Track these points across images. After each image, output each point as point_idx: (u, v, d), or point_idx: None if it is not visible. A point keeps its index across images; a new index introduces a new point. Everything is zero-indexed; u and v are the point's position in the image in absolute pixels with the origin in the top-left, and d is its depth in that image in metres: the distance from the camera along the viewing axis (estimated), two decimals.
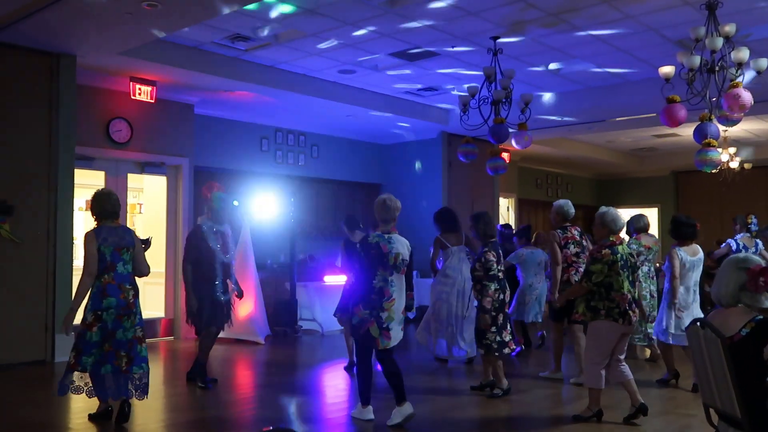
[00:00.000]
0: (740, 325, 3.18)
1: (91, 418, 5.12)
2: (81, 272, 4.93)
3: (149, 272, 5.26)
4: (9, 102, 7.42)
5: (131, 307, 4.97)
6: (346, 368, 7.35)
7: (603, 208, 5.38)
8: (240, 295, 6.71)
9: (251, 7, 6.92)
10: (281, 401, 6.07)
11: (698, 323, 3.31)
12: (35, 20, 6.69)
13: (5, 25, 6.86)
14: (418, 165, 13.06)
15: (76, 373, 4.95)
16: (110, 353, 4.88)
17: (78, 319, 5.02)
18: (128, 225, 9.79)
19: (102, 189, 5.25)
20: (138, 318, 5.03)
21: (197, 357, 6.53)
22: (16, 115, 7.46)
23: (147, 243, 5.30)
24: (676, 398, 6.08)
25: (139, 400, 5.07)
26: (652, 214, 17.35)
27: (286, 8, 7.11)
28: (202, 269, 6.32)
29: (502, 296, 6.08)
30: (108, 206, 5.02)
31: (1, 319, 7.25)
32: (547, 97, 10.80)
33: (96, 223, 5.05)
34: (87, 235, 4.98)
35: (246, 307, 9.27)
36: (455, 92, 10.47)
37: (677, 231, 6.44)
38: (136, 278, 5.16)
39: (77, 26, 6.92)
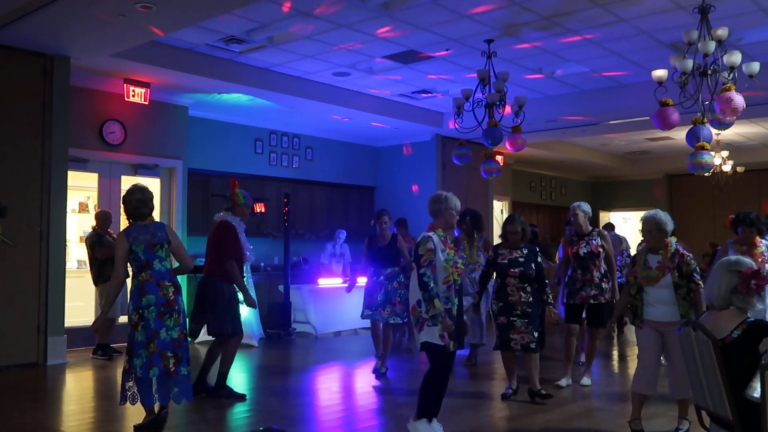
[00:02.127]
0: (732, 327, 3.20)
1: (138, 429, 4.83)
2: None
3: (194, 266, 5.10)
4: (2, 103, 7.39)
5: (172, 304, 4.77)
6: (376, 370, 7.19)
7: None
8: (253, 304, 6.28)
9: (245, 9, 6.93)
10: (275, 404, 6.06)
11: (690, 325, 3.33)
12: (29, 21, 6.67)
13: None
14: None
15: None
16: (155, 355, 4.70)
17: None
18: (120, 227, 9.75)
19: (132, 186, 5.00)
20: (183, 317, 4.86)
21: (221, 369, 6.09)
22: (9, 117, 7.43)
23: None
24: (669, 400, 6.09)
25: (178, 404, 4.93)
26: None
27: (282, 9, 7.11)
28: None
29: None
30: (137, 205, 4.83)
31: None
32: (541, 99, 10.83)
33: (128, 223, 4.91)
34: (118, 237, 4.88)
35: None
36: (449, 95, 10.49)
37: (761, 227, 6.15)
38: (183, 274, 5.02)
39: (71, 27, 6.90)
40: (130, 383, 4.76)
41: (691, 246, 7.61)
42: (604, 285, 6.55)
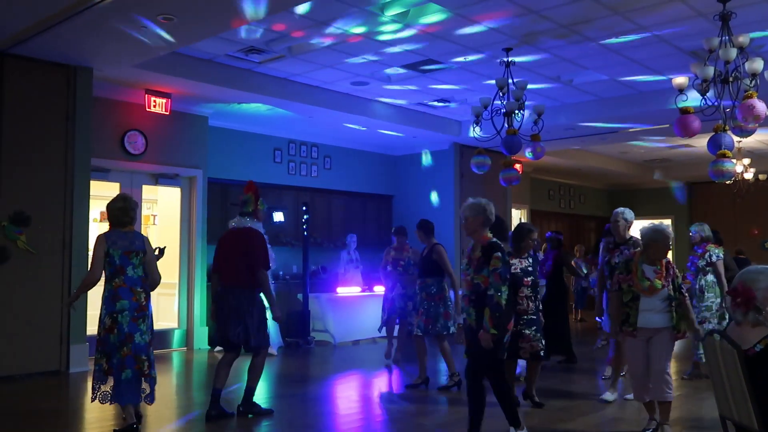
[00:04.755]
0: (755, 341, 3.15)
1: None
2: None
3: (160, 281, 5.22)
4: (27, 114, 7.50)
5: (144, 309, 5.00)
6: (413, 386, 6.99)
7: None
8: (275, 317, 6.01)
9: (265, 20, 6.99)
10: (295, 412, 6.06)
11: (715, 335, 3.30)
12: (53, 34, 6.77)
13: (24, 39, 6.95)
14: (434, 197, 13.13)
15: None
16: (129, 358, 4.90)
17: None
18: None
19: (117, 195, 5.26)
20: (150, 322, 5.08)
21: (249, 384, 5.82)
22: (33, 127, 7.55)
23: (161, 252, 5.31)
24: (692, 411, 6.02)
25: (150, 404, 5.12)
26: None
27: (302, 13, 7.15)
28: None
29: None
30: (117, 213, 5.06)
31: (17, 329, 7.29)
32: (560, 107, 10.79)
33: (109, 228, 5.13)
34: (97, 238, 5.08)
35: None
36: (467, 103, 10.48)
37: None
38: (151, 289, 5.16)
39: (93, 39, 7.00)
40: (104, 385, 4.96)
41: None
42: None
